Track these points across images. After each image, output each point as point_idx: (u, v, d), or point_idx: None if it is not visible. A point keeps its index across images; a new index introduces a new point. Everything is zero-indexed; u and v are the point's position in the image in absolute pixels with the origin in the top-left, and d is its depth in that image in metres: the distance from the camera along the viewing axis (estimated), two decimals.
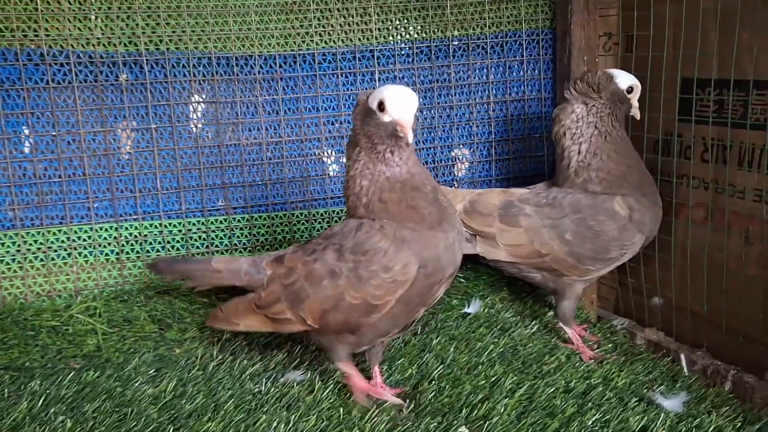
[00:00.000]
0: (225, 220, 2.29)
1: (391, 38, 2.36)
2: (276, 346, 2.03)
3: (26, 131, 2.08)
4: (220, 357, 1.96)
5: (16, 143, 2.08)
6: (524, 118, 2.50)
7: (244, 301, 1.80)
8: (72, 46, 2.05)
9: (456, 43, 2.41)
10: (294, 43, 2.27)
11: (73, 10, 2.04)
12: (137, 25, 2.10)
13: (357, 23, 2.32)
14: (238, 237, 2.31)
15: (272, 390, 1.78)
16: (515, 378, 1.85)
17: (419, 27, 2.38)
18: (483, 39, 2.42)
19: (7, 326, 2.01)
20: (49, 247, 2.13)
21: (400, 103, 1.50)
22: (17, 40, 2.00)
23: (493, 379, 1.85)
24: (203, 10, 2.15)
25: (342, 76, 2.33)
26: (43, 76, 2.05)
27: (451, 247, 1.58)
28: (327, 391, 1.77)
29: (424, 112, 2.45)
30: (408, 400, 1.76)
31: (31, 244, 2.12)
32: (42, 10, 2.01)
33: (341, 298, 1.59)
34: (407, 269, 1.53)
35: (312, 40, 2.28)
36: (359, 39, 2.32)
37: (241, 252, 2.32)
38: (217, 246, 2.29)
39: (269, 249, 2.33)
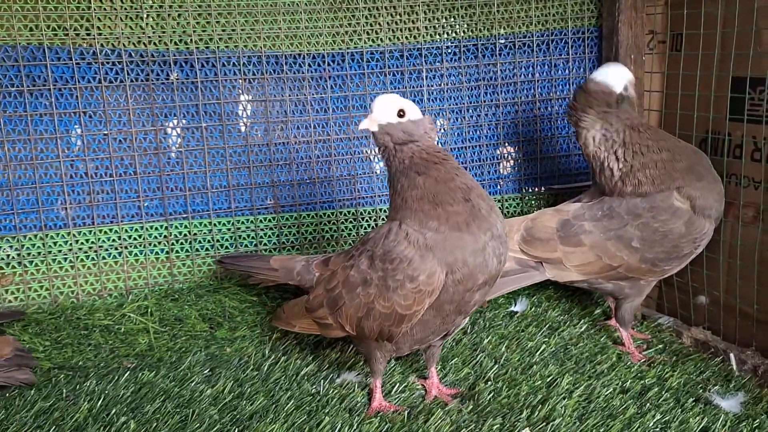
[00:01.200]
0: (273, 218, 2.29)
1: (438, 36, 2.36)
2: (327, 345, 2.03)
3: (78, 130, 2.08)
4: (272, 357, 1.96)
5: (68, 142, 2.07)
6: None
7: (299, 303, 1.82)
8: (124, 44, 2.04)
9: (502, 41, 2.40)
10: (342, 41, 2.26)
11: (125, 9, 2.03)
12: (188, 23, 2.09)
13: (404, 21, 2.31)
14: (285, 235, 2.31)
15: (331, 391, 1.78)
16: (571, 378, 1.85)
17: (466, 25, 2.37)
18: (529, 37, 2.41)
19: (61, 325, 2.01)
20: (100, 246, 2.13)
21: (377, 106, 1.57)
22: (70, 39, 2.00)
23: (548, 379, 1.85)
24: (254, 8, 2.15)
25: (390, 75, 2.32)
26: (96, 74, 2.05)
27: (481, 252, 1.53)
28: (385, 393, 1.77)
29: (470, 111, 2.44)
30: (466, 401, 1.76)
31: (82, 243, 2.12)
32: (95, 9, 2.00)
33: (372, 306, 1.59)
34: (432, 279, 1.51)
35: (360, 39, 2.27)
36: (406, 37, 2.32)
37: (289, 250, 2.32)
38: (265, 244, 2.29)
39: (317, 247, 2.34)
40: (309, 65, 2.24)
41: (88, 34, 2.01)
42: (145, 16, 2.05)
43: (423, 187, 1.54)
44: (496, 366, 1.92)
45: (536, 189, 2.53)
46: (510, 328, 2.14)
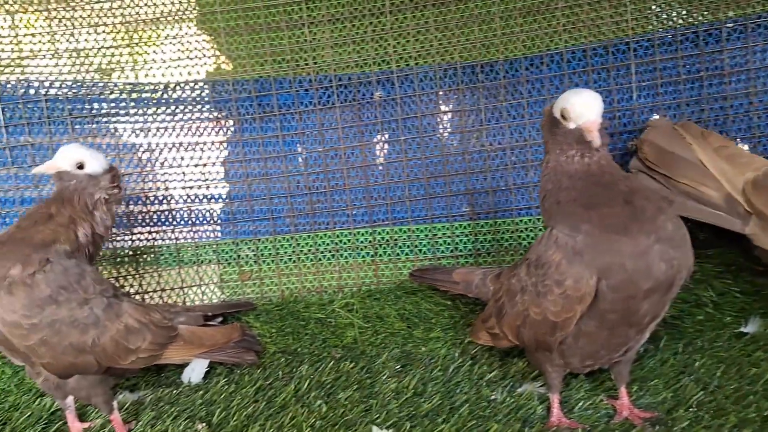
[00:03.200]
0: (469, 225, 2.33)
1: (650, 27, 2.16)
2: (517, 354, 1.99)
3: (299, 149, 2.38)
4: (460, 360, 1.99)
5: (291, 159, 2.38)
6: None
7: (480, 316, 1.87)
8: (333, 70, 2.29)
9: (730, 25, 2.10)
10: (541, 43, 2.21)
11: (334, 38, 2.27)
12: (388, 44, 2.25)
13: (610, 15, 2.17)
14: (481, 242, 2.34)
15: (508, 400, 1.76)
16: None
17: (684, 11, 2.14)
18: (765, 17, 2.07)
19: (284, 316, 2.31)
20: (318, 249, 2.41)
21: (582, 109, 1.45)
22: (291, 70, 2.30)
23: (766, 413, 1.58)
24: (449, 22, 2.22)
25: (593, 73, 2.20)
26: (312, 99, 2.32)
27: (641, 257, 1.39)
28: (568, 409, 1.69)
29: (690, 106, 2.18)
30: (658, 427, 1.59)
31: (303, 247, 2.41)
32: (309, 41, 2.28)
33: (527, 313, 1.56)
34: (580, 284, 1.41)
35: (560, 39, 2.20)
36: (612, 32, 2.17)
37: (485, 257, 2.34)
38: (461, 251, 2.35)
39: (513, 254, 2.32)
40: (505, 72, 2.24)
41: (306, 64, 2.29)
42: (350, 42, 2.27)
43: (580, 189, 1.47)
44: (703, 392, 1.69)
45: None
46: (733, 352, 1.87)
